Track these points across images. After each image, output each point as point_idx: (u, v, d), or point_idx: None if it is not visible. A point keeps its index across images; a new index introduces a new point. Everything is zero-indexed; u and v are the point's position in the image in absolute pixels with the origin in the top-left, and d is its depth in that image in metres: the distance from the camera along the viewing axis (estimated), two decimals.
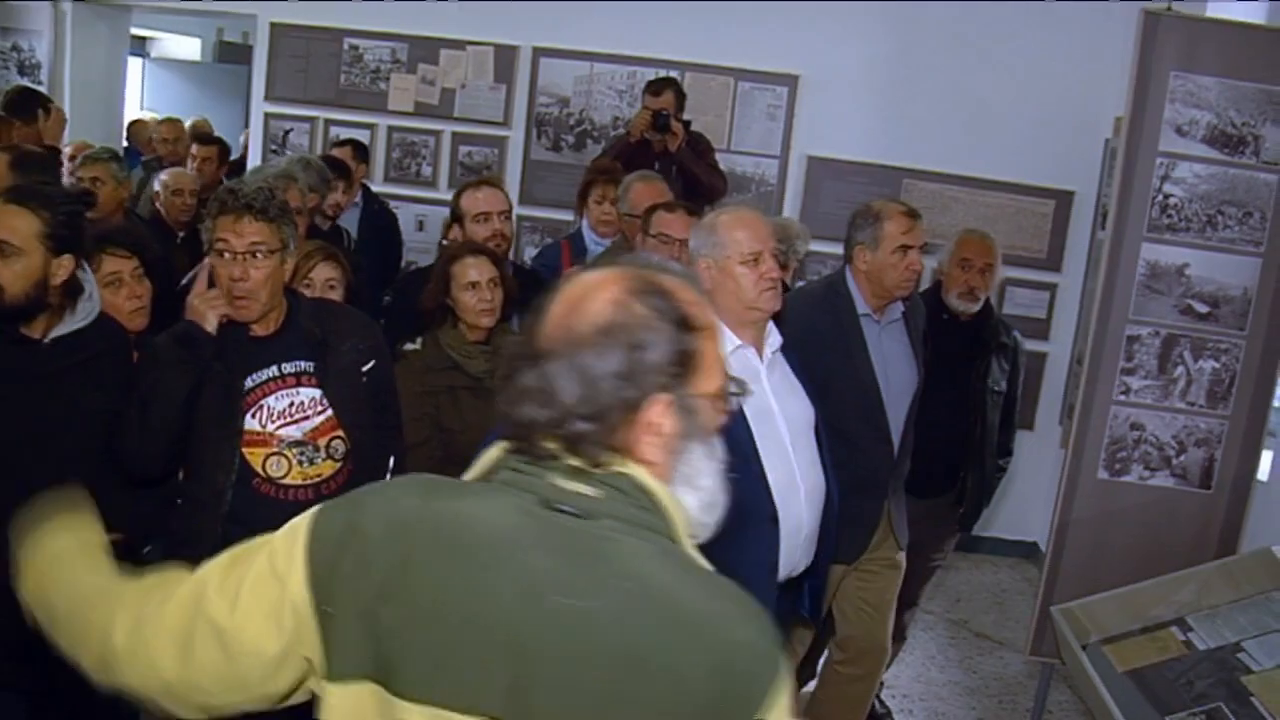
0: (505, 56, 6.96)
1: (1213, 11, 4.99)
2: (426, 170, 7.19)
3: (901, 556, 4.00)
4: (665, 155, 5.51)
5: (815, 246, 6.51)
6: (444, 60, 7.04)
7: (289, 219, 2.98)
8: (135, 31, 9.09)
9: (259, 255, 2.87)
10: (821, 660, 4.18)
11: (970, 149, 6.56)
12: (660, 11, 6.65)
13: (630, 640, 1.30)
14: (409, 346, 3.68)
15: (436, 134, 7.15)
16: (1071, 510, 3.90)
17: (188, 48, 11.05)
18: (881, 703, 4.82)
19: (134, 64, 9.69)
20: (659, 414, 1.40)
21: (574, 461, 1.41)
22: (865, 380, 3.65)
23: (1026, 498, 6.48)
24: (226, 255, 2.87)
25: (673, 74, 6.43)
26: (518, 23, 6.83)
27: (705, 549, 2.01)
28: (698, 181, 5.43)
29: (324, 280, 3.54)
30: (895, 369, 3.76)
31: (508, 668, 1.30)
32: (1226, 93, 3.80)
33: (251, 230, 2.87)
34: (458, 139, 7.14)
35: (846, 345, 3.66)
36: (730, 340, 3.04)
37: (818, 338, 3.60)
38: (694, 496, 1.47)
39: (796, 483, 3.07)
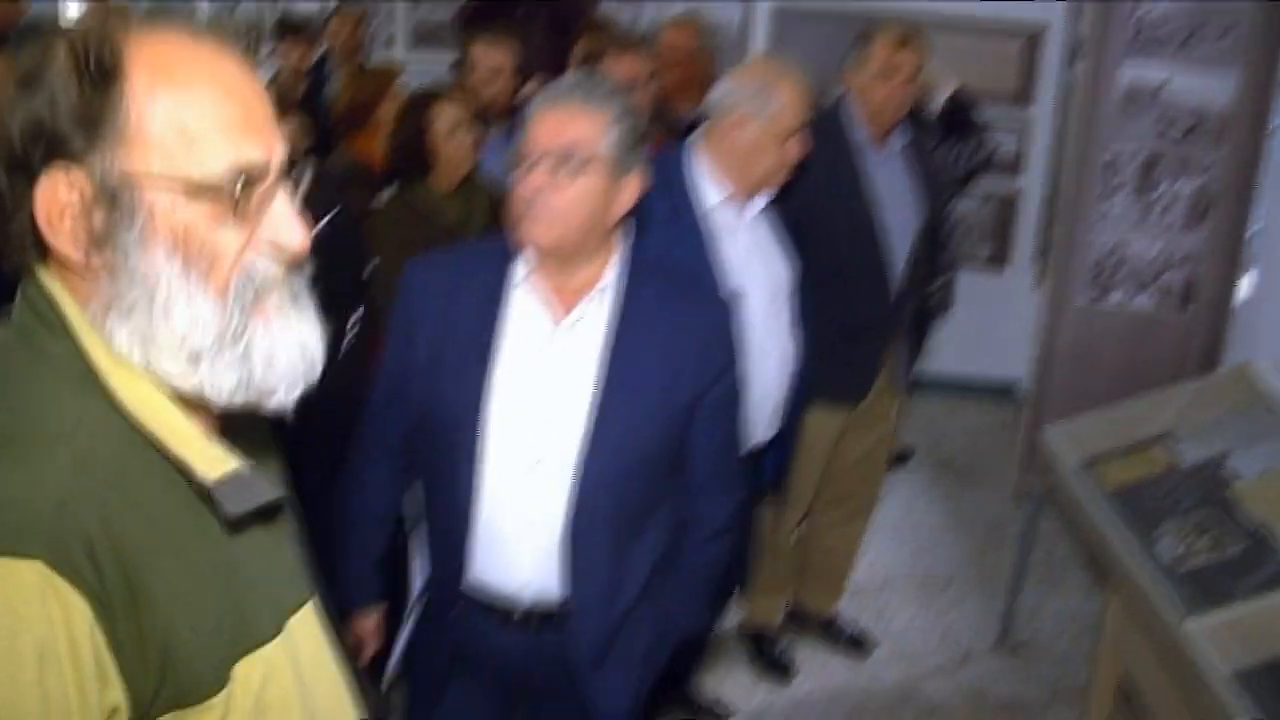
0: None
1: None
2: None
3: (895, 411, 4.01)
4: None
5: None
6: None
7: None
8: None
9: None
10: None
11: None
12: None
13: None
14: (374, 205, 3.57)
15: None
16: (1055, 338, 3.92)
17: None
18: None
19: None
20: (59, 193, 1.05)
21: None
22: (860, 213, 3.55)
23: (1002, 337, 6.52)
24: None
25: None
26: None
27: None
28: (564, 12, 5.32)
29: None
30: (895, 202, 3.66)
31: None
32: None
33: None
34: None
35: (840, 175, 3.54)
36: (716, 191, 2.92)
37: (810, 167, 3.51)
38: (164, 330, 1.07)
39: (765, 350, 2.93)
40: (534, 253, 2.11)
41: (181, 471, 1.07)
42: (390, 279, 2.51)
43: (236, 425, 1.20)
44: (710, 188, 2.90)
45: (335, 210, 2.91)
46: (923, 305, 5.35)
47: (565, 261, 2.11)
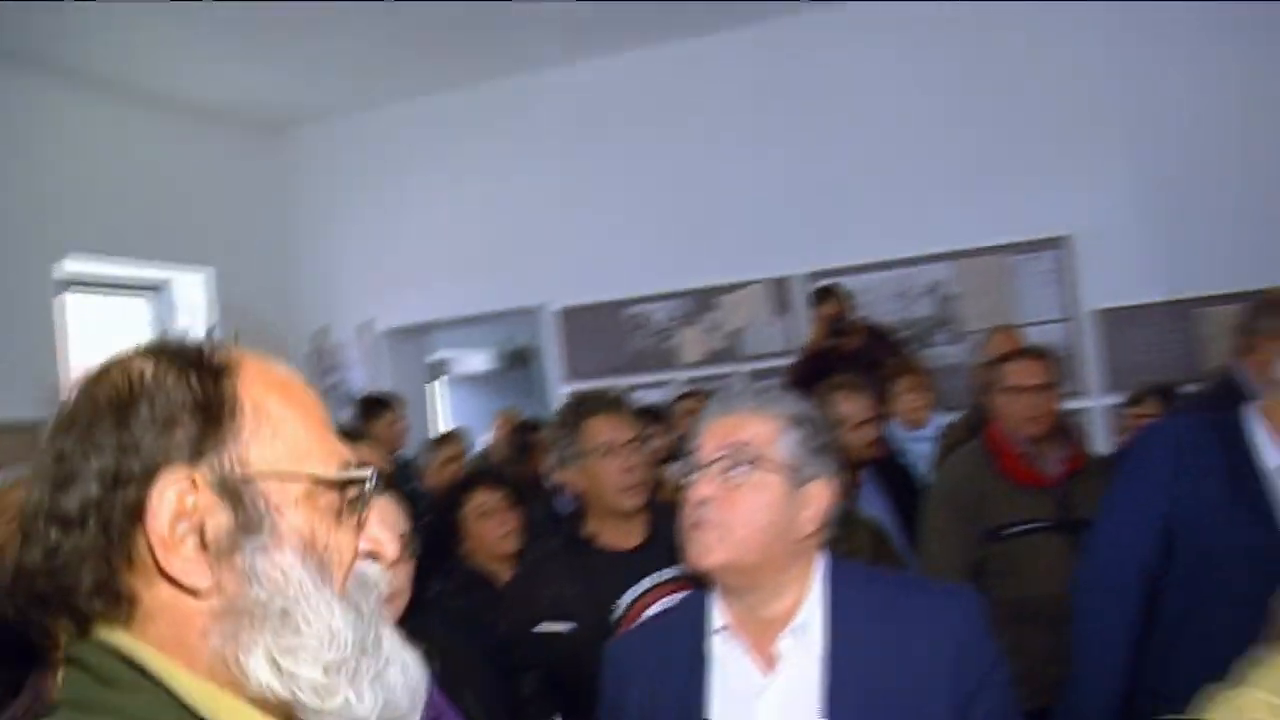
0: (779, 289, 7.36)
1: None
2: None
3: None
4: (851, 354, 6.07)
5: (1117, 400, 6.26)
6: (724, 305, 7.48)
7: None
8: (432, 358, 9.99)
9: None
10: None
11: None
12: (922, 206, 6.94)
13: None
14: None
15: (726, 377, 7.48)
16: None
17: (479, 361, 11.98)
18: None
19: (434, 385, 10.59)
20: (169, 501, 0.93)
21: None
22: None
23: None
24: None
25: (943, 264, 6.83)
26: (789, 254, 7.25)
27: None
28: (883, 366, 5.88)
29: None
30: None
31: None
32: None
33: None
34: (754, 377, 7.46)
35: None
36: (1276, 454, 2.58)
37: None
38: (305, 640, 0.95)
39: None
40: (717, 585, 1.89)
41: None
42: None
43: None
44: (1272, 450, 2.62)
45: None
46: None
47: (752, 589, 1.86)
